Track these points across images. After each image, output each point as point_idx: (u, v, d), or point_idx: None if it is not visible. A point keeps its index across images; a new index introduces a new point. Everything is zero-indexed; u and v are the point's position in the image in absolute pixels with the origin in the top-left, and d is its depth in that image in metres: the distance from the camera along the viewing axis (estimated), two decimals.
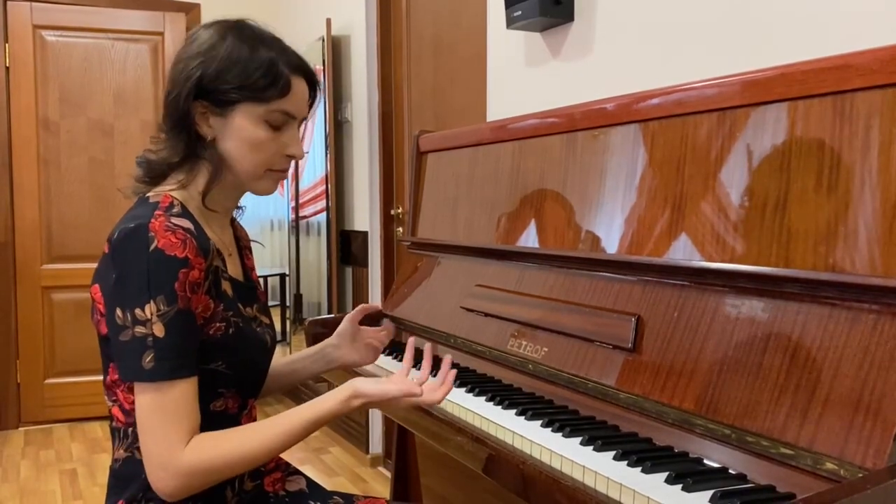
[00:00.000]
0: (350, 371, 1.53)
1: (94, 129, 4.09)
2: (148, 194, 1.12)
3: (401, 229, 3.16)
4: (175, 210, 1.07)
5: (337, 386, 1.12)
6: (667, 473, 0.92)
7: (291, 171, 4.13)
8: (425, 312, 1.79)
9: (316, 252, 3.87)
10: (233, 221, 1.29)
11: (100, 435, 3.80)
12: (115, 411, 1.09)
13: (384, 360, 1.63)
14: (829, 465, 0.84)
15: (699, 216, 1.15)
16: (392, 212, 3.24)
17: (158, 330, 0.98)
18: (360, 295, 3.44)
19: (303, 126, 1.27)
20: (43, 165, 4.01)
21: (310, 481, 1.33)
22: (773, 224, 1.03)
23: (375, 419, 3.29)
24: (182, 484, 1.00)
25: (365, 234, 3.35)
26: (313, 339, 1.80)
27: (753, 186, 1.08)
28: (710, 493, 0.86)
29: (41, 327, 3.98)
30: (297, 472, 1.34)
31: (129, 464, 1.07)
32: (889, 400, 0.82)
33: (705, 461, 0.98)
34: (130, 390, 1.04)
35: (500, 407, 1.24)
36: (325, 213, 3.64)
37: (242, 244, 1.30)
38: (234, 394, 1.14)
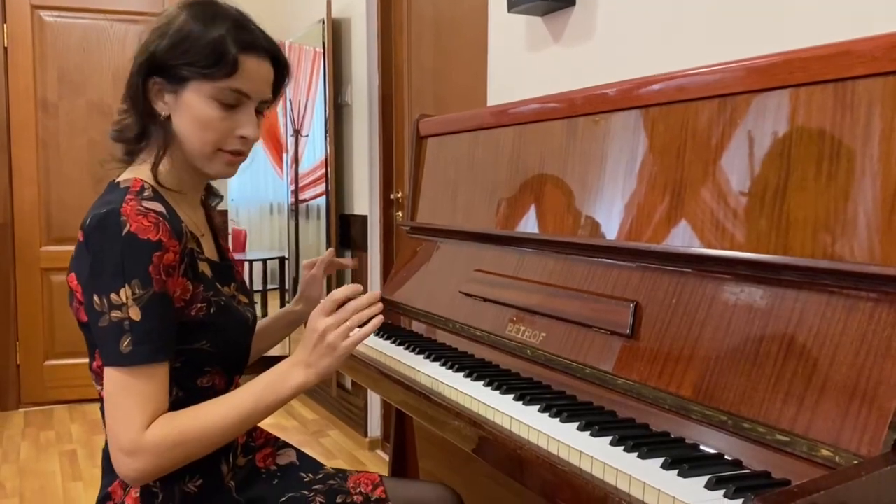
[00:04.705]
0: None
1: (93, 110, 4.07)
2: (118, 178, 1.11)
3: (400, 213, 3.16)
4: (146, 193, 1.06)
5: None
6: (663, 459, 0.92)
7: (291, 153, 4.14)
8: (424, 297, 1.80)
9: (315, 235, 3.87)
10: (206, 203, 1.29)
11: (99, 417, 3.80)
12: (104, 394, 1.09)
13: (378, 343, 1.64)
14: (825, 452, 0.85)
15: (699, 203, 1.15)
16: (392, 196, 3.24)
17: (135, 314, 0.98)
18: (360, 278, 3.44)
19: (272, 107, 1.24)
20: (42, 147, 3.99)
21: (300, 454, 1.34)
22: (773, 211, 1.03)
23: (374, 402, 3.30)
24: (146, 465, 0.99)
25: (364, 217, 3.35)
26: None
27: (753, 173, 1.07)
28: (705, 478, 0.86)
29: (40, 309, 3.98)
30: (287, 446, 1.34)
31: None
32: (885, 387, 0.82)
33: (701, 447, 0.99)
34: None
35: (497, 392, 1.25)
36: (324, 197, 3.64)
37: (216, 224, 1.30)
38: (220, 371, 1.15)
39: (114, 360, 0.99)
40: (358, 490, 1.27)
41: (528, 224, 1.55)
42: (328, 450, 3.34)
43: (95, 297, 1.00)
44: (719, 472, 0.88)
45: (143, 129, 1.12)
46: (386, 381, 1.49)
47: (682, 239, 1.16)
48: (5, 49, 3.91)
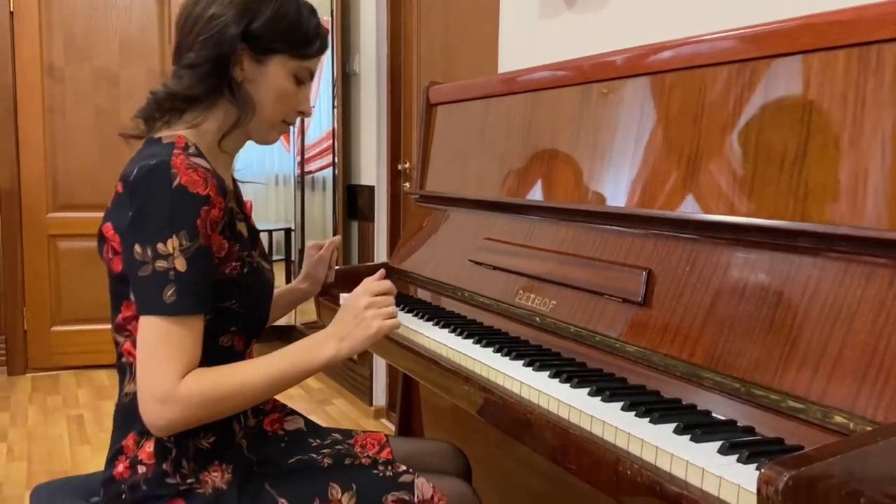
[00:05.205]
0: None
1: (100, 77, 4.04)
2: (158, 135, 1.12)
3: (408, 184, 3.15)
4: (191, 150, 1.08)
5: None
6: (675, 424, 0.92)
7: (297, 125, 4.12)
8: (432, 265, 1.79)
9: (321, 207, 3.86)
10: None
11: (106, 383, 3.84)
12: (128, 346, 1.10)
13: None
14: (839, 419, 0.84)
15: (714, 170, 1.14)
16: (399, 166, 3.22)
17: (180, 265, 1.00)
18: (366, 249, 3.43)
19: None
20: (48, 113, 3.97)
21: (307, 421, 1.35)
22: (791, 178, 1.01)
23: (380, 371, 3.31)
24: (179, 415, 1.00)
25: (372, 188, 3.34)
26: (319, 293, 1.80)
27: (771, 140, 1.06)
28: (718, 443, 0.86)
29: (47, 275, 3.99)
30: (295, 413, 1.36)
31: None
32: None
33: (713, 414, 0.99)
34: None
35: (507, 358, 1.24)
36: (331, 169, 3.62)
37: (237, 191, 1.31)
38: (242, 332, 1.16)
39: (155, 308, 1.00)
40: (365, 453, 1.28)
41: (539, 192, 1.54)
42: (333, 418, 3.35)
43: (137, 247, 1.00)
44: (732, 438, 0.88)
45: (210, 90, 1.13)
46: (394, 347, 1.49)
47: (697, 206, 1.15)
48: (11, 14, 3.87)
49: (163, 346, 0.99)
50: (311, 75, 1.21)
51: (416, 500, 1.13)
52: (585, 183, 1.41)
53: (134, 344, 1.09)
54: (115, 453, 1.10)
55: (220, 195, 1.05)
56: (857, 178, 0.93)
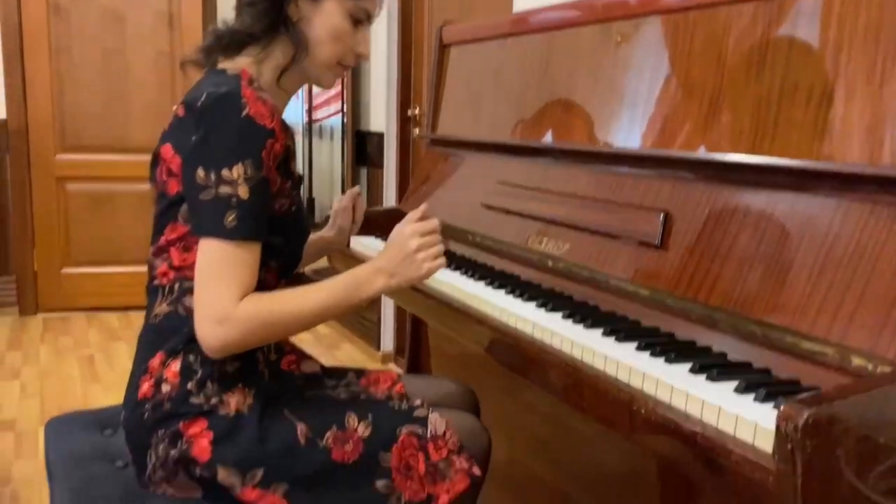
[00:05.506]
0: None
1: (106, 17, 3.97)
2: (222, 66, 1.15)
3: (417, 130, 3.11)
4: (255, 84, 1.11)
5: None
6: (690, 364, 0.92)
7: None
8: (444, 209, 1.77)
9: (328, 155, 3.83)
10: None
11: (116, 325, 3.87)
12: (164, 268, 1.12)
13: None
14: (858, 361, 0.83)
15: (737, 110, 1.11)
16: (409, 112, 3.18)
17: (243, 192, 1.02)
18: (375, 195, 3.42)
19: None
20: (55, 53, 3.92)
21: (323, 366, 1.36)
22: (817, 119, 0.99)
23: (388, 316, 3.33)
24: (234, 336, 1.02)
25: (381, 135, 3.30)
26: None
27: (797, 79, 1.03)
28: (734, 383, 0.86)
29: (56, 217, 3.99)
30: (311, 358, 1.37)
31: (172, 318, 1.10)
32: None
33: (728, 357, 0.98)
34: (186, 249, 1.08)
35: (519, 299, 1.24)
36: (339, 116, 3.58)
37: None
38: (278, 269, 1.17)
39: (215, 231, 1.02)
40: (379, 390, 1.30)
41: (554, 135, 1.52)
42: (341, 363, 3.38)
43: (200, 171, 1.02)
44: (748, 379, 0.87)
45: (267, 28, 1.15)
46: (405, 289, 1.48)
47: (718, 147, 1.13)
48: None
49: (223, 268, 1.02)
50: (369, 17, 1.20)
51: (428, 434, 1.14)
52: (602, 125, 1.38)
53: (171, 266, 1.11)
54: (139, 374, 1.11)
55: (283, 131, 1.07)
56: (886, 118, 0.91)
